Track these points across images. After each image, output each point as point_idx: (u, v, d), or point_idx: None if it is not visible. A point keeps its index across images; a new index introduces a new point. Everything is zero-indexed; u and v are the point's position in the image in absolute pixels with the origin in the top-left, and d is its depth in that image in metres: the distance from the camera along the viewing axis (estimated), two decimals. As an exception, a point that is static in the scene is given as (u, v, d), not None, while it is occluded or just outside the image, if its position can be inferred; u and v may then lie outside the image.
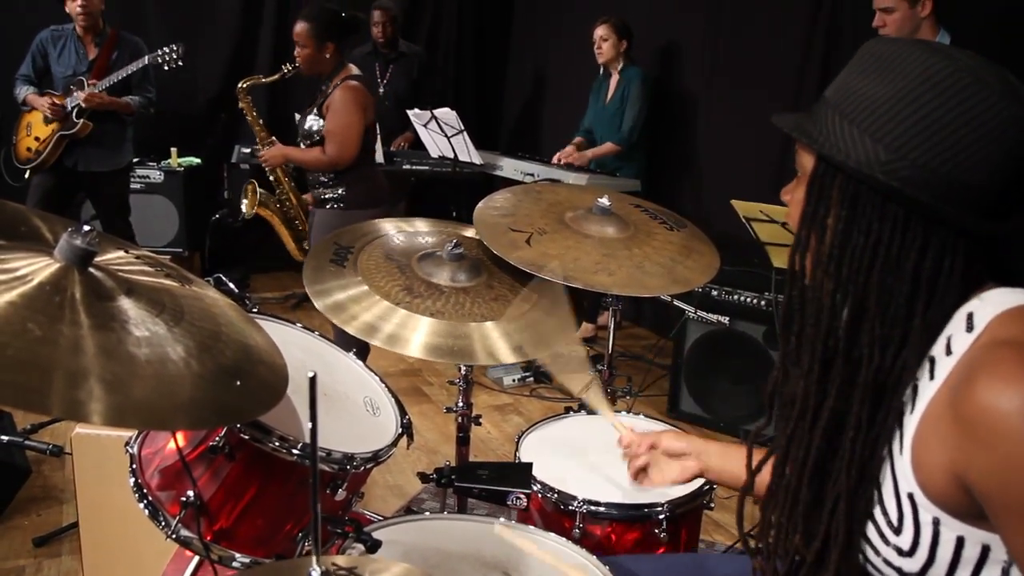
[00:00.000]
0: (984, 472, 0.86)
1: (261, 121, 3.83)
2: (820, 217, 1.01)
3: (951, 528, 0.92)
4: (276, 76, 3.66)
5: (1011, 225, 0.95)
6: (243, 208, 3.90)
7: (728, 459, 1.48)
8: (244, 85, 3.76)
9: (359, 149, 3.51)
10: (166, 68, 4.14)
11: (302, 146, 3.59)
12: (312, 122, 3.50)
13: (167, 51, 4.09)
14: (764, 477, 1.16)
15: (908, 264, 0.95)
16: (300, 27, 3.41)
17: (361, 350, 2.53)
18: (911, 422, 0.95)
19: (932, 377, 0.95)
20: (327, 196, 3.56)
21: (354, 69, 3.55)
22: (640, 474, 1.60)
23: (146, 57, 4.12)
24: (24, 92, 4.25)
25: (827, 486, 1.03)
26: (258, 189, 3.87)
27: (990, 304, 0.94)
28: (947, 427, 0.90)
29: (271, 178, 3.88)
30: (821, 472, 1.04)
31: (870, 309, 0.97)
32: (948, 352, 0.94)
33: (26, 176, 4.25)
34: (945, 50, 0.94)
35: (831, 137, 0.98)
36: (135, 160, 4.77)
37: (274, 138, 3.83)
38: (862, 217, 0.96)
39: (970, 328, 0.93)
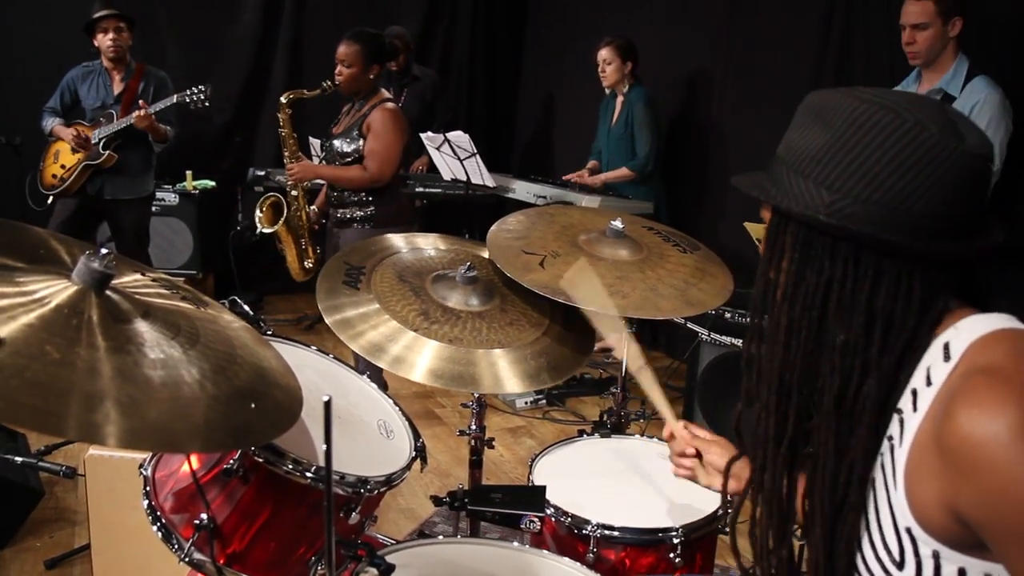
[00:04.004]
0: (973, 502, 0.87)
1: (295, 136, 3.83)
2: (776, 264, 1.07)
3: (951, 560, 0.93)
4: (317, 91, 3.69)
5: (971, 247, 0.98)
6: (258, 222, 3.89)
7: None
8: (287, 99, 3.78)
9: (397, 169, 3.63)
10: (192, 108, 4.20)
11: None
12: (345, 144, 3.59)
13: (195, 91, 4.16)
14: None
15: (862, 296, 0.99)
16: (349, 48, 3.52)
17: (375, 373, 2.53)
18: (901, 456, 0.96)
19: (915, 409, 0.96)
20: (356, 215, 3.63)
21: (386, 93, 3.68)
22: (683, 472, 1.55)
23: (175, 96, 4.19)
24: (50, 123, 4.35)
25: (806, 514, 1.05)
26: (283, 204, 3.83)
27: (965, 332, 0.96)
28: (933, 460, 0.91)
29: (293, 193, 3.86)
30: (793, 501, 1.07)
31: (826, 341, 1.01)
32: (928, 383, 0.96)
33: (48, 202, 4.33)
34: (870, 94, 0.99)
35: (782, 189, 1.04)
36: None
37: (301, 154, 3.87)
38: (814, 259, 1.02)
39: (947, 357, 0.95)
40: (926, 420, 0.94)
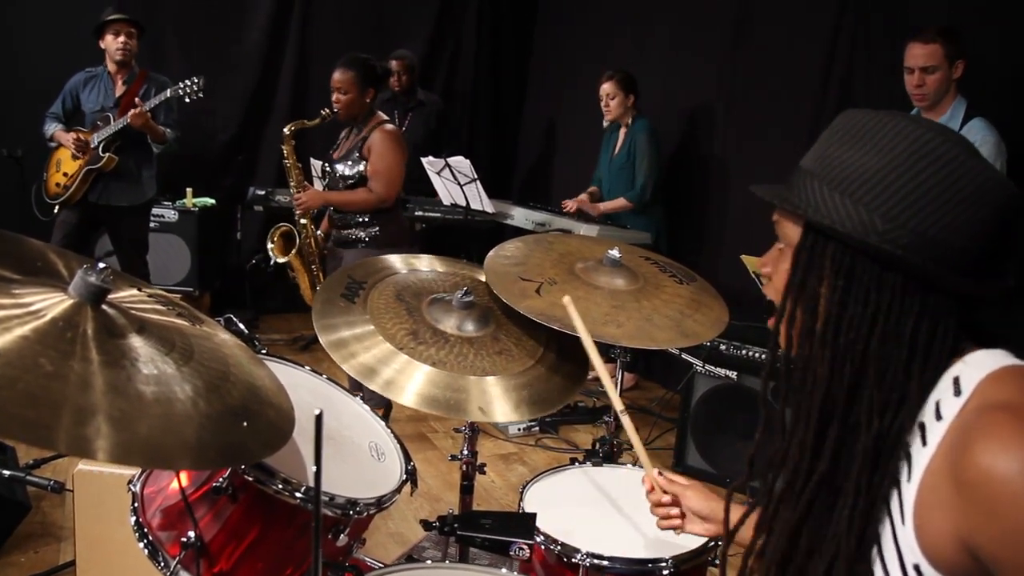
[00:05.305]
0: (990, 538, 0.85)
1: (300, 166, 3.93)
2: (811, 287, 1.01)
3: None
4: (317, 120, 3.77)
5: (1000, 285, 0.97)
6: (271, 252, 3.97)
7: (751, 527, 1.45)
8: (290, 130, 3.86)
9: (401, 189, 3.72)
10: (187, 100, 4.22)
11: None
12: (347, 167, 3.66)
13: (188, 84, 4.18)
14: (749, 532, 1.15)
15: (906, 330, 0.95)
16: (344, 75, 3.61)
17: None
18: (910, 491, 0.94)
19: (924, 443, 0.94)
20: (358, 236, 3.70)
21: (383, 115, 3.76)
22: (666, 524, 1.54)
23: (168, 90, 4.21)
24: (51, 129, 4.38)
25: (821, 549, 1.02)
26: (295, 233, 3.93)
27: (974, 367, 0.94)
28: (948, 494, 0.89)
29: (302, 221, 3.94)
30: (813, 535, 1.03)
31: (869, 375, 0.97)
32: (938, 417, 0.94)
33: (55, 211, 4.34)
34: (925, 121, 0.97)
35: (817, 205, 0.99)
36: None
37: (307, 183, 3.95)
38: (859, 286, 0.97)
39: (958, 392, 0.94)
40: (937, 454, 0.92)
